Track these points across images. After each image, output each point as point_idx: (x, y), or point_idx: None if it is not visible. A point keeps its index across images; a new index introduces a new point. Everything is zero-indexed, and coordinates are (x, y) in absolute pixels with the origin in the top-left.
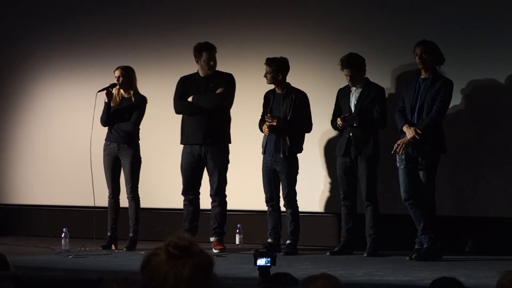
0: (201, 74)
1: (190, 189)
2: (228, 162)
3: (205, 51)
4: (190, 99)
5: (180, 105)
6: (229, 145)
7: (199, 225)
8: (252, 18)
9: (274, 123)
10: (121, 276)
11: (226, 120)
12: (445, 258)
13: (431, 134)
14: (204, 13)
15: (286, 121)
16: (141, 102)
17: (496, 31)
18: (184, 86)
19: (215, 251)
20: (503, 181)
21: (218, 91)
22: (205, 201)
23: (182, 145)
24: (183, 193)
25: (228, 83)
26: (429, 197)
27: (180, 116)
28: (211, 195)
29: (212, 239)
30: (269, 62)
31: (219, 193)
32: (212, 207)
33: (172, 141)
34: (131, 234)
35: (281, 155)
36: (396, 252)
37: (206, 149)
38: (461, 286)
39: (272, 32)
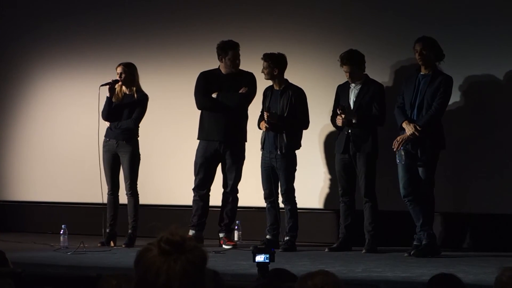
0: (224, 72)
1: (204, 185)
2: (244, 159)
3: (232, 50)
4: (214, 95)
5: (204, 101)
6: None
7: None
8: (251, 15)
9: (269, 119)
10: (120, 273)
11: (244, 118)
12: (444, 254)
13: (431, 130)
14: (203, 10)
15: (281, 117)
16: (143, 99)
17: (496, 28)
18: (206, 82)
19: (227, 247)
20: (502, 177)
21: (242, 90)
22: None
23: (198, 141)
24: (195, 188)
25: (251, 83)
26: (428, 193)
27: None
28: (226, 192)
29: (222, 235)
30: (265, 57)
31: (234, 190)
32: (226, 203)
33: (177, 138)
34: (130, 231)
35: (278, 152)
36: (394, 248)
37: (225, 146)
38: (460, 282)
39: (271, 29)
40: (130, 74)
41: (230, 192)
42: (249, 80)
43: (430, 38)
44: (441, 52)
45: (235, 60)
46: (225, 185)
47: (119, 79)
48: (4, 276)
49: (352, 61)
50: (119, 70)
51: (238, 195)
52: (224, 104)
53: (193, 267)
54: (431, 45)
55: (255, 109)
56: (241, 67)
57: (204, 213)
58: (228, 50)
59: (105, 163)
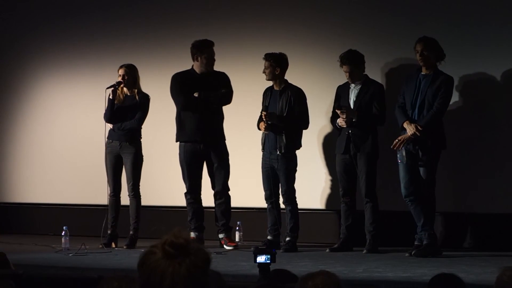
0: (198, 71)
1: (196, 187)
2: (228, 155)
3: (208, 48)
4: (196, 94)
5: (185, 101)
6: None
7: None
8: (251, 16)
9: (267, 119)
10: (121, 274)
11: (221, 117)
12: (445, 254)
13: (432, 130)
14: (203, 10)
15: (280, 117)
16: (145, 100)
17: (496, 28)
18: (183, 82)
19: (228, 248)
20: (503, 177)
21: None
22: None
23: (181, 143)
24: (188, 192)
25: (227, 82)
26: (429, 193)
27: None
28: (217, 192)
29: (221, 235)
30: (267, 56)
31: (226, 188)
32: (219, 203)
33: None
34: (131, 232)
35: (278, 152)
36: (395, 248)
37: (209, 146)
38: (461, 282)
39: (270, 29)
40: (132, 75)
41: (223, 191)
42: (225, 79)
43: (431, 38)
44: (441, 52)
45: (211, 59)
46: (214, 186)
47: (122, 81)
48: (5, 278)
49: (352, 61)
50: (121, 72)
51: (240, 196)
52: (207, 103)
53: (198, 269)
54: (432, 46)
55: (254, 109)
56: (241, 68)
57: (202, 215)
58: (204, 49)
59: (108, 165)
